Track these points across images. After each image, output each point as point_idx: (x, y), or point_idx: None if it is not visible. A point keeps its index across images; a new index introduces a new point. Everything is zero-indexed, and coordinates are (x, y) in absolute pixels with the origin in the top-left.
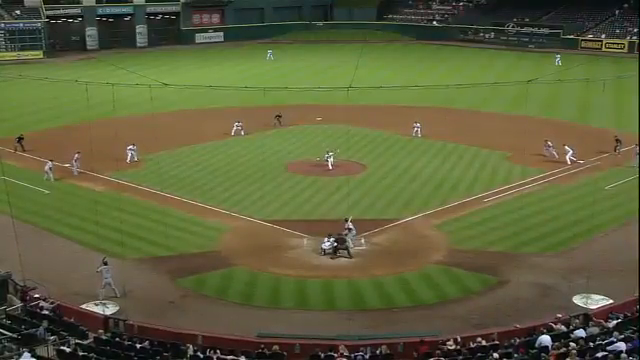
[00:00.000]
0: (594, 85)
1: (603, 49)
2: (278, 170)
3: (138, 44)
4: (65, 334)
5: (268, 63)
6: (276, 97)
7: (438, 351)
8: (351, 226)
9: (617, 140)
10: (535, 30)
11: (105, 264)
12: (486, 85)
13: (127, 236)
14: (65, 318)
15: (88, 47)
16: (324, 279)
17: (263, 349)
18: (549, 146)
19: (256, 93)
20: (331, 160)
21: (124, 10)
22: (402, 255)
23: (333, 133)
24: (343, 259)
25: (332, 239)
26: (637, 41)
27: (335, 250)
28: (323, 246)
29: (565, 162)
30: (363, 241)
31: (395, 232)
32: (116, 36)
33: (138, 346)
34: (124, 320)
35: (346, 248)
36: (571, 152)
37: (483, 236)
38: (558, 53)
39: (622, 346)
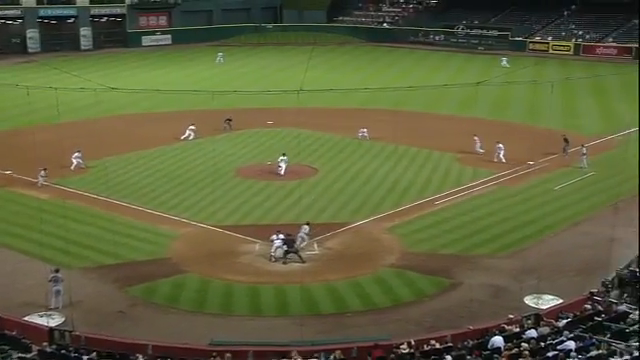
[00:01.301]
0: (542, 87)
1: (550, 51)
2: (229, 175)
3: (83, 47)
4: (7, 348)
5: (218, 66)
6: (226, 101)
7: (392, 355)
8: (306, 231)
9: (565, 140)
10: (484, 32)
11: (57, 272)
12: (436, 87)
13: (73, 245)
14: (6, 331)
15: (29, 50)
16: (276, 285)
17: (215, 357)
18: (476, 142)
19: (205, 97)
20: (284, 165)
21: (67, 12)
22: (355, 259)
23: (284, 137)
24: (296, 264)
25: (281, 236)
26: (637, 46)
27: (286, 254)
28: (272, 251)
29: (500, 161)
30: (316, 246)
31: (348, 236)
32: (59, 39)
33: (85, 358)
34: (70, 331)
35: (296, 251)
36: (503, 151)
37: (435, 239)
38: (504, 55)
39: (572, 345)
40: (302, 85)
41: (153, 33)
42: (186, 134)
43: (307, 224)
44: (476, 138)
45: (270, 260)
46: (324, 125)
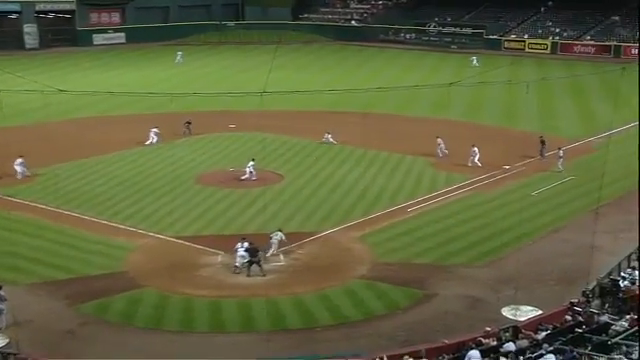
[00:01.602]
0: (518, 87)
1: (526, 49)
2: (189, 182)
3: (27, 45)
4: None
5: (176, 67)
6: (185, 103)
7: None
8: (280, 238)
9: (542, 141)
10: (457, 30)
11: None
12: (407, 88)
13: (20, 259)
14: None
15: None
16: (241, 299)
17: None
18: (439, 144)
19: (163, 99)
20: (250, 169)
21: (9, 7)
22: (324, 270)
23: (247, 141)
24: (261, 276)
25: (246, 244)
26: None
27: (249, 265)
28: (236, 262)
29: (476, 165)
30: (282, 256)
31: (316, 246)
32: (1, 36)
33: None
34: (15, 354)
35: (258, 261)
36: (478, 155)
37: (408, 248)
38: (474, 55)
39: (552, 358)
40: (266, 87)
41: (105, 31)
42: (150, 139)
43: (280, 230)
44: (439, 140)
45: (234, 271)
46: (289, 129)
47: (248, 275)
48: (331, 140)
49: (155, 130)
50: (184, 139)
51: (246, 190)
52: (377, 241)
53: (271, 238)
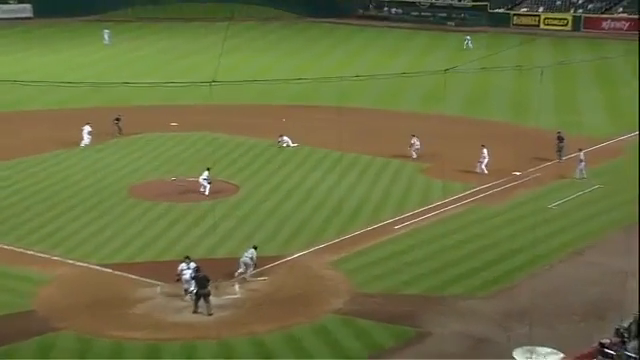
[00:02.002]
0: (530, 74)
1: (541, 26)
2: (119, 195)
3: None
4: None
5: (102, 49)
6: (114, 95)
7: None
8: (252, 256)
9: (560, 138)
10: (455, 3)
11: None
12: (392, 76)
13: None
14: None
15: None
16: (185, 341)
17: None
18: (413, 144)
19: (86, 90)
20: (206, 182)
21: None
22: (290, 304)
23: (193, 143)
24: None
25: (192, 265)
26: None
27: (196, 299)
28: (184, 286)
29: (483, 172)
30: (237, 287)
31: (280, 273)
32: None
33: None
34: None
35: (208, 294)
36: (487, 160)
37: (395, 275)
38: (468, 34)
39: None
40: (216, 75)
41: (5, 1)
42: (85, 139)
43: (255, 248)
44: (414, 140)
45: (184, 298)
46: (246, 127)
47: (194, 311)
48: (290, 144)
49: (88, 128)
50: (113, 140)
51: (192, 204)
52: (356, 267)
53: (242, 257)
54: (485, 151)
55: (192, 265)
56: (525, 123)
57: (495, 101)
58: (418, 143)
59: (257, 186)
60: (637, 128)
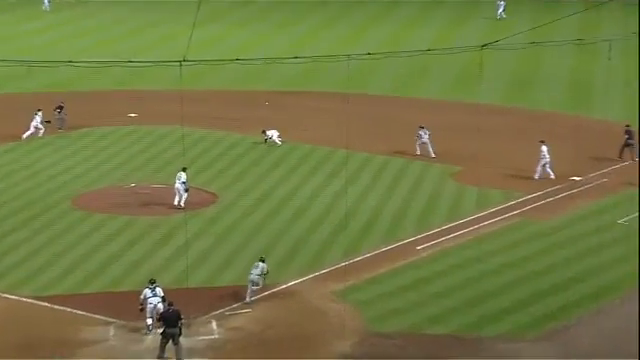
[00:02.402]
0: (595, 50)
1: None
2: (61, 206)
3: None
4: None
5: (43, 16)
6: (55, 77)
7: None
8: (262, 271)
9: (628, 132)
10: None
11: None
12: (414, 54)
13: None
14: None
15: None
16: None
17: None
18: (421, 136)
19: (17, 70)
20: (182, 187)
21: None
22: (282, 346)
23: (157, 139)
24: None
25: (159, 290)
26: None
27: (164, 339)
28: (147, 318)
29: (548, 176)
30: (214, 325)
31: (269, 306)
32: None
33: None
34: None
35: (177, 335)
36: (546, 160)
37: (418, 309)
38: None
39: None
40: (187, 53)
41: None
42: (32, 129)
43: (262, 261)
44: (422, 132)
45: (145, 333)
46: (226, 119)
47: (160, 357)
48: (276, 141)
49: (38, 116)
50: (54, 135)
51: (157, 218)
52: (368, 298)
53: (250, 276)
54: (544, 149)
55: (158, 291)
56: (587, 114)
57: (547, 86)
58: (426, 136)
59: (241, 195)
60: None
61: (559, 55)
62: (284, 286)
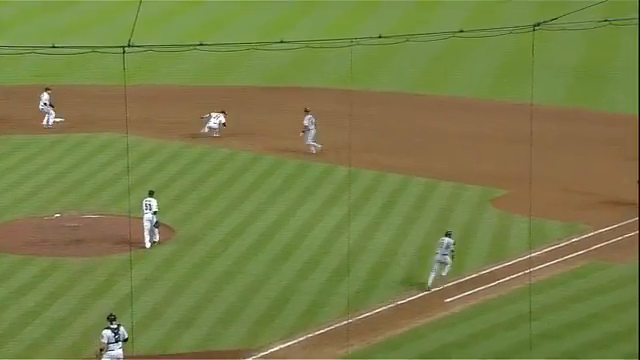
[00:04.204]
0: None
1: None
2: None
3: None
4: None
5: None
6: None
7: None
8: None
9: None
10: None
11: None
12: (439, 37)
13: None
14: None
15: None
16: None
17: None
18: (307, 127)
19: None
20: (152, 218)
21: None
22: None
23: (92, 152)
24: None
25: (122, 332)
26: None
27: None
28: None
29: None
30: None
31: None
32: None
33: None
34: None
35: None
36: None
37: None
38: None
39: None
40: (132, 36)
41: None
42: None
43: (447, 235)
44: (308, 116)
45: None
46: (185, 126)
47: None
48: (212, 125)
49: None
50: None
51: (90, 260)
52: None
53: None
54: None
55: (122, 332)
56: None
57: (624, 80)
58: (313, 122)
59: (205, 228)
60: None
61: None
62: (264, 353)
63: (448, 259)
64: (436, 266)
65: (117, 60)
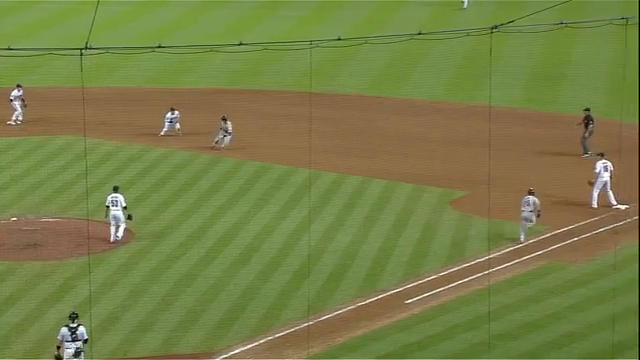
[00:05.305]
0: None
1: None
2: None
3: None
4: None
5: None
6: None
7: None
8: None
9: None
10: None
11: None
12: (402, 39)
13: None
14: None
15: None
16: None
17: None
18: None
19: None
20: (119, 221)
21: None
22: None
23: (49, 156)
24: None
25: (82, 332)
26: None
27: None
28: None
29: (615, 207)
30: None
31: None
32: None
33: None
34: None
35: None
36: (606, 180)
37: None
38: None
39: None
40: (90, 37)
41: None
42: None
43: (531, 194)
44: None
45: None
46: (143, 128)
47: None
48: (177, 126)
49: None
50: None
51: (48, 265)
52: None
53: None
54: (601, 166)
55: (81, 333)
56: (635, 120)
57: (579, 82)
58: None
59: (164, 231)
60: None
61: (590, 40)
62: (225, 356)
63: (533, 217)
64: (523, 222)
65: (75, 62)
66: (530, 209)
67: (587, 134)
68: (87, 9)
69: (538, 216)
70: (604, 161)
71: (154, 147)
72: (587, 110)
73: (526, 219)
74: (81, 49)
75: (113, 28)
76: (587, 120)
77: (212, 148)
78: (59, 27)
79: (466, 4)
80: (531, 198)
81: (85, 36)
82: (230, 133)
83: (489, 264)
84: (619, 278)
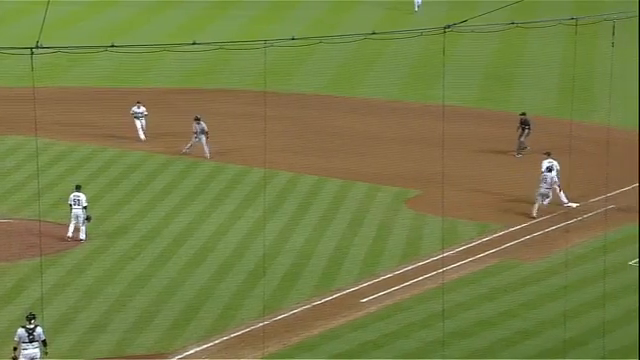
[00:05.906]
0: (593, 31)
1: None
2: None
3: None
4: None
5: None
6: None
7: None
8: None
9: (523, 122)
10: None
11: None
12: (355, 38)
13: None
14: None
15: None
16: None
17: None
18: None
19: None
20: (81, 215)
21: None
22: None
23: (3, 154)
24: None
25: (39, 332)
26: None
27: None
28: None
29: (565, 204)
30: None
31: None
32: None
33: None
34: None
35: None
36: (557, 182)
37: None
38: None
39: None
40: (41, 36)
41: None
42: None
43: (549, 170)
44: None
45: None
46: (96, 128)
47: None
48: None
49: None
50: None
51: None
52: None
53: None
54: (552, 164)
55: (38, 333)
56: (584, 118)
57: (530, 81)
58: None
59: (118, 232)
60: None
61: (544, 39)
62: (180, 356)
63: (551, 193)
64: (539, 198)
65: (25, 61)
66: (547, 186)
67: (523, 137)
68: (37, 9)
69: (559, 188)
70: (550, 160)
71: (108, 147)
72: (523, 114)
73: (542, 194)
74: (32, 48)
75: (65, 28)
76: (523, 124)
77: (184, 154)
78: (9, 26)
79: (417, 8)
80: (549, 175)
81: (36, 35)
82: (206, 132)
83: (443, 263)
84: (571, 276)
